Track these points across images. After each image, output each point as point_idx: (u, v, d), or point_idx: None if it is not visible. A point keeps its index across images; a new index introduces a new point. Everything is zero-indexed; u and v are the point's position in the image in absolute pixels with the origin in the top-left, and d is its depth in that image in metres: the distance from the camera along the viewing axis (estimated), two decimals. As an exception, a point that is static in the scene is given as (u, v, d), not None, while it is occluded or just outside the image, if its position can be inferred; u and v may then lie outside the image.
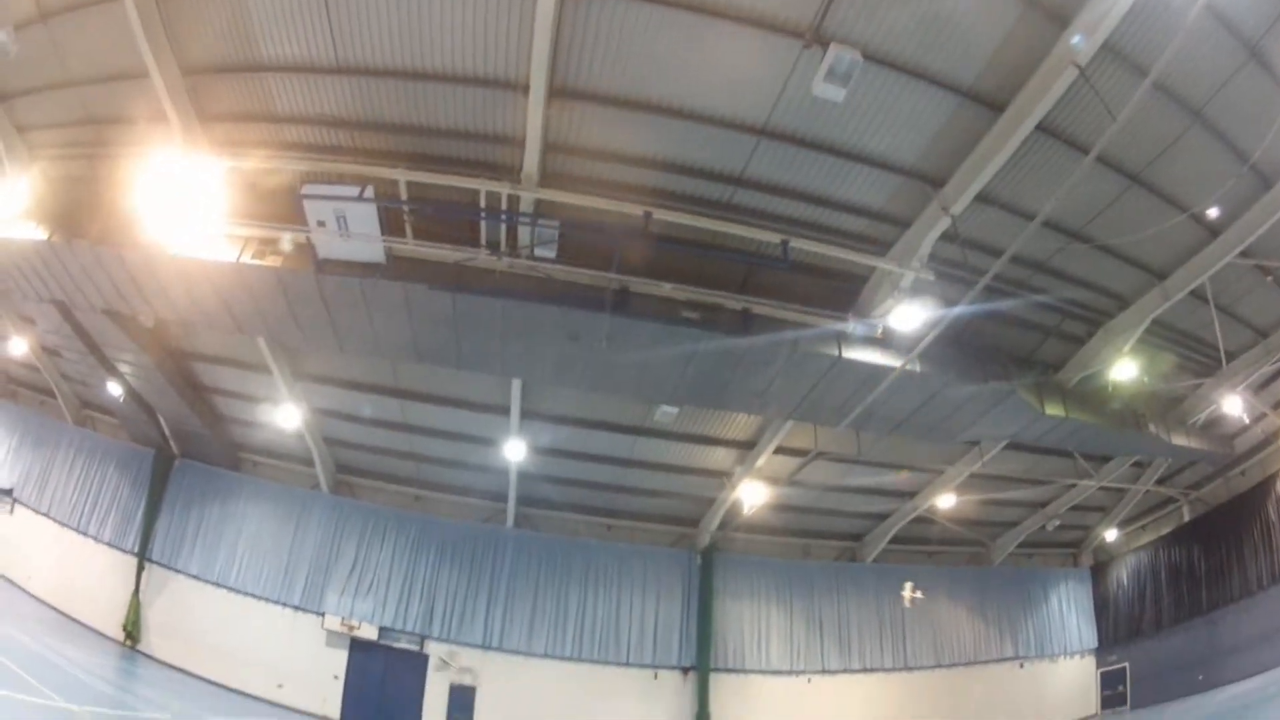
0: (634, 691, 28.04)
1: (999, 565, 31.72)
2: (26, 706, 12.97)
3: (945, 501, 26.87)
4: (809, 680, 29.13)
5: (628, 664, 28.08)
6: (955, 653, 30.32)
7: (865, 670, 29.57)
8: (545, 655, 28.03)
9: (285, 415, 25.72)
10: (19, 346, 33.14)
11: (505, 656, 28.01)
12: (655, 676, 28.17)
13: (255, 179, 16.76)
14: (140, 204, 17.62)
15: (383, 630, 28.61)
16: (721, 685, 28.24)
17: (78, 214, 20.58)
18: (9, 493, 36.29)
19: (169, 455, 32.55)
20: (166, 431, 31.73)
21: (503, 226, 16.22)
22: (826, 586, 29.80)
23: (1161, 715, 26.13)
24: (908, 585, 26.88)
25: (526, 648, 28.06)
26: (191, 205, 16.35)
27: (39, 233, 21.20)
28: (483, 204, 15.90)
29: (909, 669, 29.85)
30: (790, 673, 29.05)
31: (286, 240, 16.77)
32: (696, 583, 28.74)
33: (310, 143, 16.41)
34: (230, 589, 30.51)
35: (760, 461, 24.15)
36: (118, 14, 14.96)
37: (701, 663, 28.05)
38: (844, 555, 30.53)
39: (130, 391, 29.62)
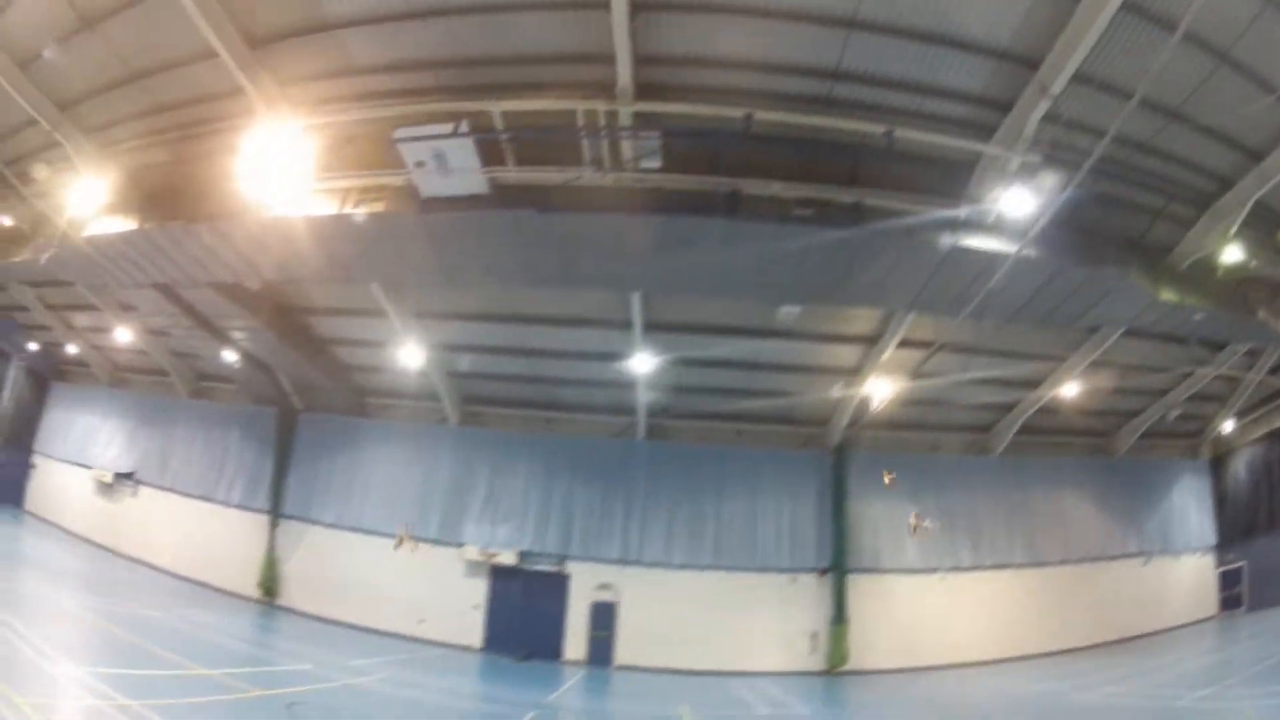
0: (772, 597, 28.16)
1: (1121, 457, 31.11)
2: (163, 680, 13.27)
3: (1067, 391, 26.26)
4: (942, 578, 28.88)
5: (764, 569, 28.16)
6: (1081, 548, 29.90)
7: (996, 567, 29.24)
8: (683, 566, 28.63)
9: (407, 355, 26.08)
10: (124, 335, 34.28)
11: (644, 570, 28.48)
12: (793, 580, 28.20)
13: (344, 132, 16.85)
14: (230, 176, 17.84)
15: (522, 555, 29.13)
16: (857, 586, 28.17)
17: (165, 198, 20.89)
18: (131, 476, 37.79)
19: (292, 411, 33.44)
20: (287, 388, 32.58)
21: (604, 143, 16.05)
22: (956, 481, 29.41)
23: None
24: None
25: (665, 559, 28.72)
26: (283, 167, 16.48)
27: (128, 224, 21.64)
28: (581, 123, 15.75)
29: (1038, 565, 29.51)
30: (923, 571, 28.81)
31: (387, 185, 16.97)
32: (829, 483, 28.63)
33: (395, 89, 16.38)
34: (366, 532, 31.14)
35: (885, 356, 23.75)
36: (167, 4, 15.14)
37: (837, 564, 28.02)
38: (972, 449, 30.07)
39: (246, 356, 30.32)
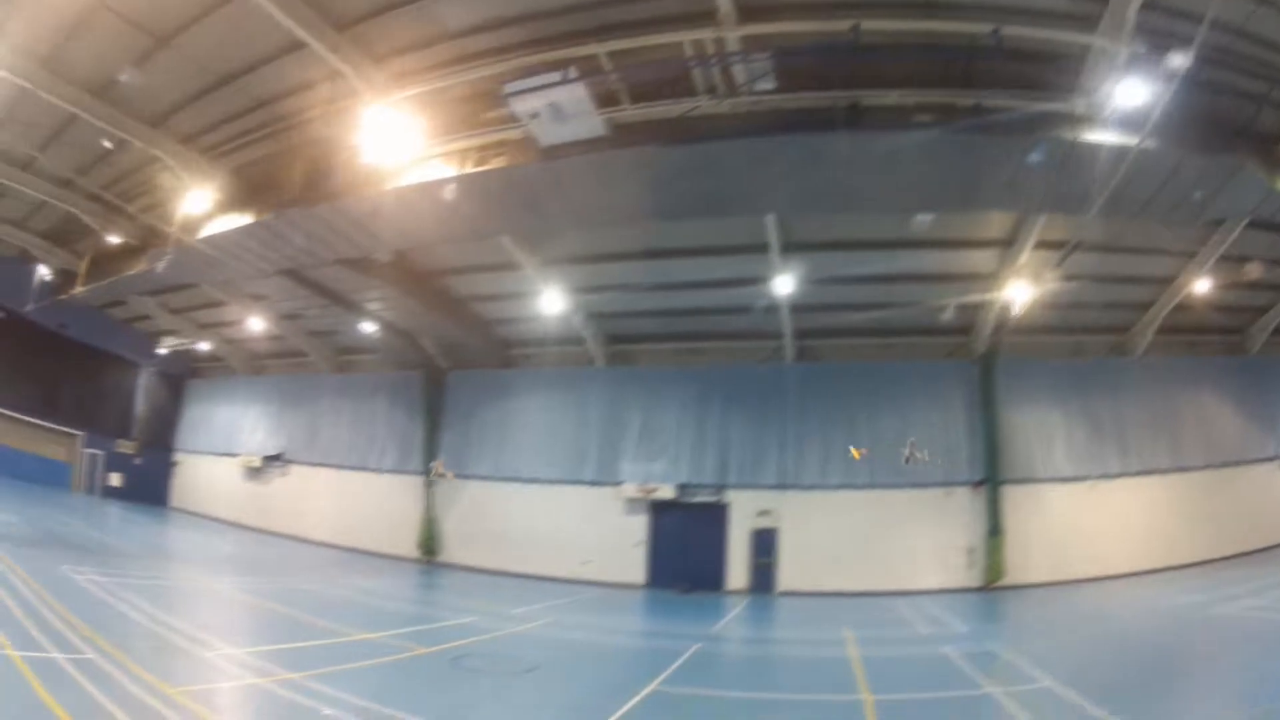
0: (928, 513, 27.94)
1: (1256, 354, 29.88)
2: (326, 649, 13.44)
3: (1200, 287, 25.41)
4: (1091, 486, 28.05)
5: (919, 485, 27.78)
6: (1222, 451, 28.75)
7: (1142, 473, 28.36)
8: (840, 487, 28.63)
9: (547, 302, 26.60)
10: (257, 324, 35.41)
11: (802, 494, 28.66)
12: (947, 494, 27.85)
13: (451, 95, 17.22)
14: (341, 156, 18.68)
15: (680, 488, 29.39)
16: (1011, 498, 27.65)
17: (277, 188, 21.61)
18: (279, 457, 39.19)
19: (438, 371, 34.30)
20: (431, 350, 33.44)
21: (715, 71, 16.00)
22: (1100, 384, 28.61)
23: None
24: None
25: (821, 481, 28.81)
26: (394, 139, 17.04)
27: (243, 218, 22.46)
28: (689, 54, 15.77)
29: (1181, 470, 28.51)
30: (1074, 479, 28.10)
31: (505, 140, 17.15)
32: (977, 393, 28.22)
33: (493, 46, 16.51)
34: (523, 481, 31.92)
35: (1021, 259, 23.30)
36: (242, 8, 15.66)
37: (990, 475, 27.60)
38: (1113, 351, 29.25)
39: (385, 324, 31.18)
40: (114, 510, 38.87)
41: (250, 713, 9.46)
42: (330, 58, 16.44)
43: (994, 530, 26.98)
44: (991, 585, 26.72)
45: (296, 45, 16.64)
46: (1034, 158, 16.40)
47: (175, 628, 13.13)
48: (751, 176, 17.05)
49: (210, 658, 11.47)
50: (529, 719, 10.16)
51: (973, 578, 27.18)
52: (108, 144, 21.66)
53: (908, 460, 24.97)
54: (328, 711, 9.24)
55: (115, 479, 44.32)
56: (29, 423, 41.99)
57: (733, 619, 22.79)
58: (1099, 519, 27.34)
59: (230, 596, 19.34)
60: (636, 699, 10.83)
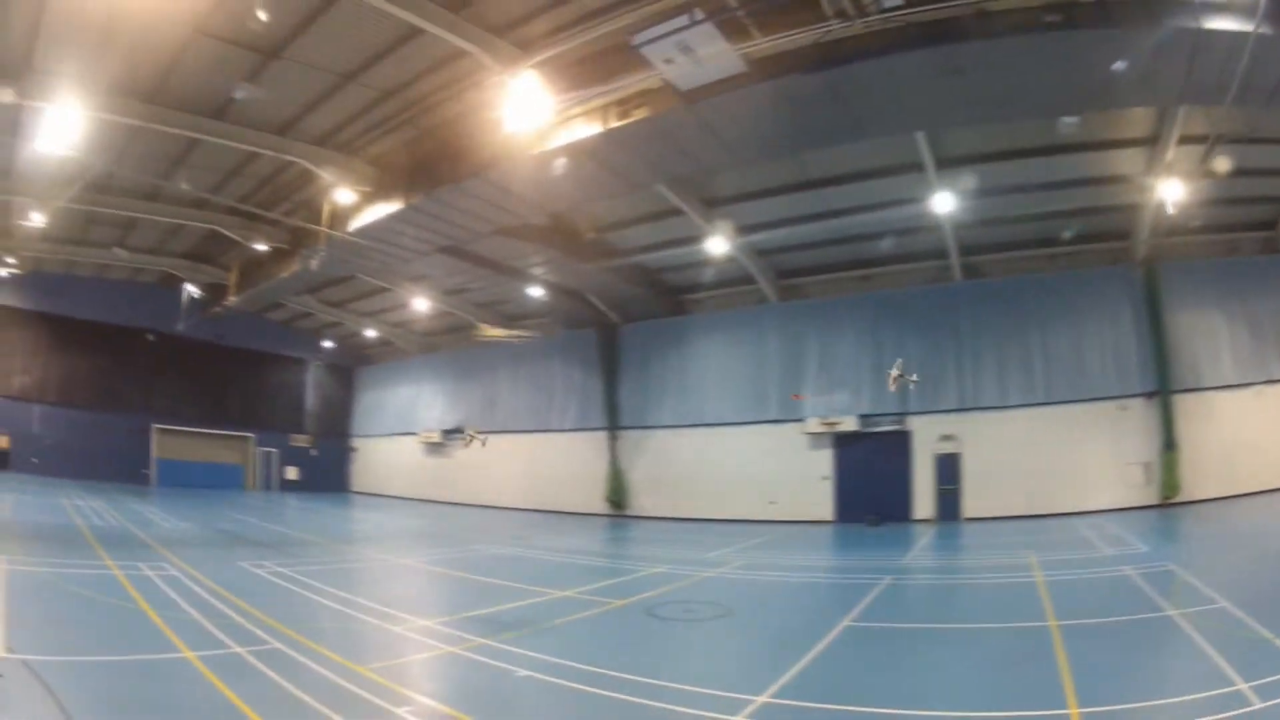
0: (1104, 428, 27.54)
1: None
2: (519, 610, 13.37)
3: None
4: (1257, 392, 26.95)
5: (1093, 398, 27.53)
6: None
7: (1308, 375, 27.46)
8: (1019, 405, 28.37)
9: (713, 245, 27.04)
10: (421, 304, 36.99)
11: (981, 415, 28.74)
12: (1122, 408, 27.36)
13: (581, 54, 17.40)
14: (481, 130, 19.49)
15: (862, 418, 29.66)
16: (1182, 407, 26.98)
17: (422, 170, 22.56)
18: (459, 431, 40.33)
19: (611, 327, 35.38)
20: (601, 307, 34.40)
21: None
22: (1257, 283, 27.16)
23: None
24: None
25: (1000, 400, 28.67)
26: (531, 105, 17.53)
27: (392, 205, 23.51)
28: None
29: None
30: (1239, 385, 27.07)
31: (645, 89, 17.18)
32: (1142, 299, 27.66)
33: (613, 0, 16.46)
34: (707, 425, 32.65)
35: (1168, 156, 22.48)
36: (346, 9, 16.56)
37: (1162, 385, 27.07)
38: (1266, 248, 27.87)
39: (552, 287, 32.10)
40: (292, 502, 40.64)
41: (444, 681, 9.47)
42: (449, 37, 16.89)
43: (1169, 444, 26.37)
44: (1168, 501, 26.14)
45: (413, 32, 17.32)
46: (1160, 50, 15.83)
47: (364, 607, 13.33)
48: (892, 95, 16.88)
49: (400, 632, 11.59)
50: (724, 665, 10.11)
51: (1150, 495, 26.54)
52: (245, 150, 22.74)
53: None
54: (522, 673, 9.23)
55: (292, 472, 47.36)
56: (199, 433, 44.94)
57: (920, 549, 22.68)
58: (1267, 427, 26.21)
59: (418, 569, 19.68)
60: (830, 636, 10.89)
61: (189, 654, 9.39)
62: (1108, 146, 22.90)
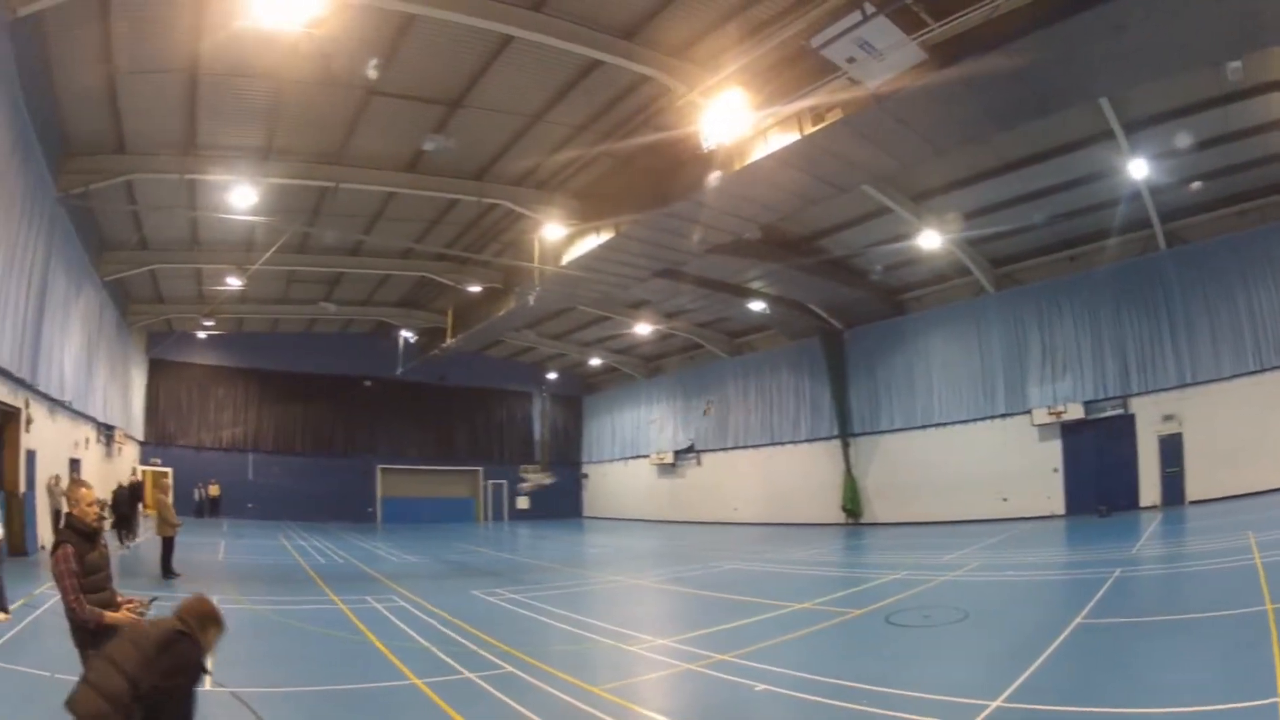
0: None
1: None
2: (757, 625, 13.25)
3: None
4: None
5: None
6: None
7: None
8: (1234, 375, 26.02)
9: (925, 239, 27.07)
10: (643, 329, 38.35)
11: (1199, 390, 26.91)
12: None
13: (765, 66, 17.33)
14: (677, 152, 19.99)
15: (1087, 405, 28.88)
16: None
17: (625, 198, 23.35)
18: (691, 449, 42.33)
19: (834, 333, 35.88)
20: (822, 314, 34.99)
21: None
22: None
23: None
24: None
25: (1216, 372, 26.57)
26: (724, 121, 17.54)
27: (602, 236, 24.58)
28: None
29: None
30: None
31: (834, 92, 16.81)
32: None
33: (785, 6, 16.41)
34: (936, 425, 32.71)
35: None
36: (519, 51, 17.42)
37: None
38: None
39: (773, 299, 32.94)
40: (523, 531, 42.13)
41: (680, 698, 9.49)
42: (627, 64, 17.47)
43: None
44: None
45: (592, 65, 18.00)
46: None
47: (599, 628, 13.47)
48: (1067, 62, 16.01)
49: (636, 652, 11.66)
50: (959, 670, 9.81)
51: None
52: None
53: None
54: (760, 688, 9.15)
55: (523, 502, 49.37)
56: (425, 470, 48.00)
57: (1148, 538, 21.62)
58: None
59: (654, 589, 19.89)
60: (1062, 636, 10.62)
61: (417, 681, 9.72)
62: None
